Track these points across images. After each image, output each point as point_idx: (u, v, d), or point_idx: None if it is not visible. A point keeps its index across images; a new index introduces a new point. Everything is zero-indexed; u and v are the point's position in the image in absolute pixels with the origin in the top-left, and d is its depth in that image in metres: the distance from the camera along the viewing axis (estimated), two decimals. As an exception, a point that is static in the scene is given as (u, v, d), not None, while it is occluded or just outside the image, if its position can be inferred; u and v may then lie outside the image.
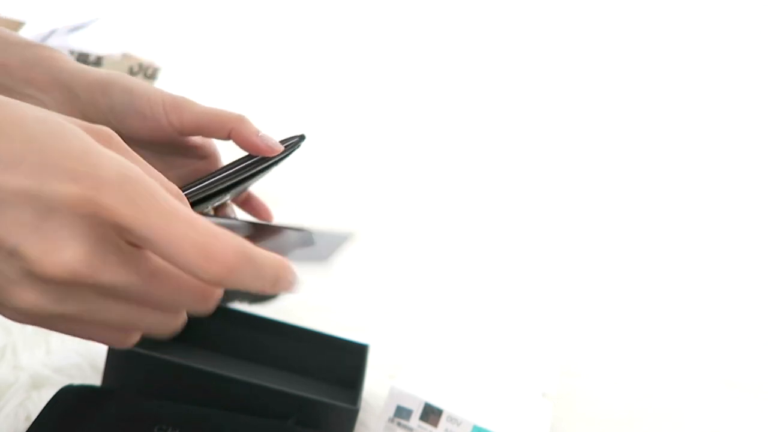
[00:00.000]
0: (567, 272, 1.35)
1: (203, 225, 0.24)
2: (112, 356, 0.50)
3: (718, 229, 1.60)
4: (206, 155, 0.49)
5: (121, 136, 0.42)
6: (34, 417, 0.43)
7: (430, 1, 1.82)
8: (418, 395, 0.51)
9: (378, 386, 0.62)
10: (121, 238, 0.25)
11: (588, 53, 1.72)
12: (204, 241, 0.24)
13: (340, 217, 1.50)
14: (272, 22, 1.77)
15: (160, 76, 0.95)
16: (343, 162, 1.69)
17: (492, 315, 1.01)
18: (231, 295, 0.79)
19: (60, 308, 0.25)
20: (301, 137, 0.46)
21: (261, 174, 0.45)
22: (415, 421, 0.51)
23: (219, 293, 0.28)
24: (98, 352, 0.58)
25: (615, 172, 1.73)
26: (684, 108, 1.68)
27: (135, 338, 0.30)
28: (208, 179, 0.44)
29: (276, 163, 0.45)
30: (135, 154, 0.29)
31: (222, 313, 0.64)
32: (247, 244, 0.25)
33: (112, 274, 0.25)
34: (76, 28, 1.13)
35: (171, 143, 0.46)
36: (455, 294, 1.08)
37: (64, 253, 0.23)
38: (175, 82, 0.97)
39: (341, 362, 0.63)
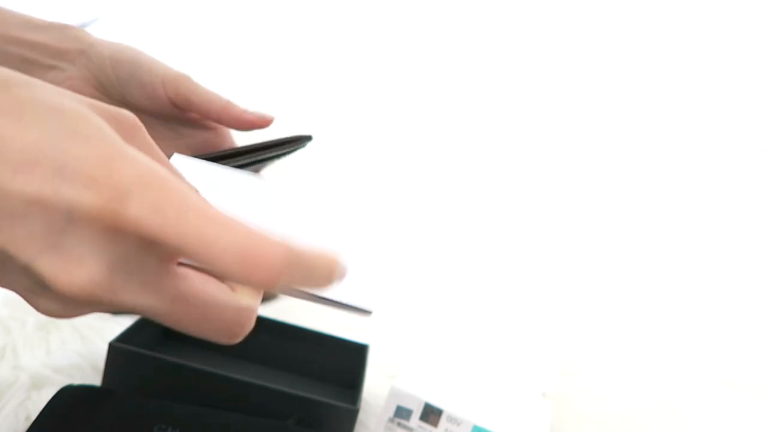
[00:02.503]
0: (566, 272, 1.35)
1: (241, 227, 0.22)
2: (112, 356, 0.50)
3: (718, 229, 1.60)
4: (213, 127, 0.52)
5: (128, 106, 0.47)
6: (34, 417, 0.43)
7: (430, 1, 1.82)
8: (418, 395, 0.51)
9: (378, 386, 0.62)
10: (146, 253, 0.23)
11: (588, 53, 1.72)
12: (245, 244, 0.21)
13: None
14: (273, 22, 1.78)
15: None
16: (344, 163, 1.69)
17: (491, 315, 1.01)
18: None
19: (83, 313, 0.24)
20: (308, 137, 0.48)
21: (269, 161, 0.48)
22: (415, 421, 0.51)
23: (249, 328, 0.25)
24: (98, 352, 0.58)
25: (614, 172, 1.73)
26: (683, 109, 1.68)
27: None
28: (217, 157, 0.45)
29: (282, 154, 0.47)
30: (158, 149, 0.27)
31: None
32: (294, 242, 0.22)
33: (133, 295, 0.23)
34: (76, 28, 1.13)
35: (175, 115, 0.50)
36: (455, 295, 1.08)
37: (81, 272, 0.21)
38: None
39: (341, 362, 0.63)
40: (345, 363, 0.63)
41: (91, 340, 0.61)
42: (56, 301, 0.23)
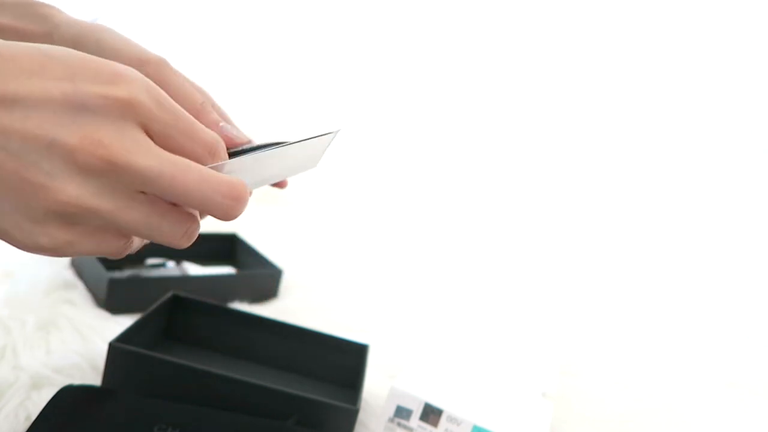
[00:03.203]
0: (566, 273, 1.35)
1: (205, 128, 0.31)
2: (112, 356, 0.50)
3: (718, 229, 1.60)
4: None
5: None
6: (34, 417, 0.43)
7: (430, 2, 1.82)
8: (418, 395, 0.51)
9: (378, 386, 0.62)
10: (145, 134, 0.28)
11: (588, 53, 1.73)
12: (213, 136, 0.30)
13: (342, 219, 1.50)
14: (273, 23, 1.78)
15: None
16: (344, 162, 1.69)
17: (491, 315, 1.01)
18: (232, 294, 0.79)
19: (96, 202, 0.27)
20: (336, 131, 0.42)
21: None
22: (415, 421, 0.51)
23: (244, 203, 0.29)
24: (98, 352, 0.58)
25: (614, 172, 1.73)
26: (683, 109, 1.68)
27: (136, 246, 0.32)
28: None
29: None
30: None
31: (222, 313, 0.64)
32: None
33: (145, 158, 0.27)
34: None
35: None
36: (455, 295, 1.08)
37: (102, 138, 0.26)
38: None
39: (341, 362, 0.63)
40: (345, 363, 0.63)
41: (91, 340, 0.61)
42: (76, 180, 0.26)
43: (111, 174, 0.27)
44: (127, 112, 0.27)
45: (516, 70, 1.79)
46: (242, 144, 0.43)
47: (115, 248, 0.30)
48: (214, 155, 0.30)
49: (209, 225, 0.43)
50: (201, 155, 0.30)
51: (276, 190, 0.52)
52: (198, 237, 0.32)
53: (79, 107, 0.26)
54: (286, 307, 0.82)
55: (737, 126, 1.65)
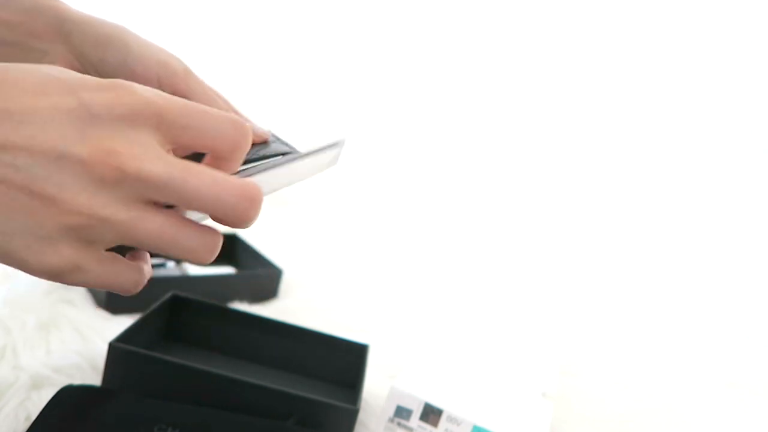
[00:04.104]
0: (566, 273, 1.35)
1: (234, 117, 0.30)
2: (112, 356, 0.50)
3: (718, 229, 1.60)
4: None
5: None
6: (34, 417, 0.43)
7: (430, 2, 1.82)
8: (418, 395, 0.51)
9: (378, 386, 0.62)
10: (156, 140, 0.28)
11: (588, 53, 1.73)
12: (239, 127, 0.29)
13: (342, 218, 1.50)
14: (274, 23, 1.78)
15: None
16: (344, 162, 1.69)
17: (491, 315, 1.01)
18: (231, 294, 0.79)
19: (108, 212, 0.26)
20: (341, 142, 0.44)
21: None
22: (415, 421, 0.51)
23: (258, 205, 0.28)
24: (98, 352, 0.58)
25: (614, 173, 1.73)
26: (683, 109, 1.68)
27: (148, 274, 0.31)
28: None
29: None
30: None
31: (222, 313, 0.64)
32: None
33: (154, 164, 0.26)
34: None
35: None
36: (455, 295, 1.08)
37: (113, 146, 0.26)
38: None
39: (341, 362, 0.63)
40: (345, 363, 0.63)
41: (91, 340, 0.61)
42: (88, 189, 0.26)
43: (123, 183, 0.26)
44: (136, 117, 0.27)
45: (516, 71, 1.79)
46: (265, 137, 0.44)
47: (125, 279, 0.29)
48: (241, 141, 0.30)
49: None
50: (225, 147, 0.29)
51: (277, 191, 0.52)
52: None
53: (87, 118, 0.26)
54: (286, 307, 0.82)
55: (737, 126, 1.65)
